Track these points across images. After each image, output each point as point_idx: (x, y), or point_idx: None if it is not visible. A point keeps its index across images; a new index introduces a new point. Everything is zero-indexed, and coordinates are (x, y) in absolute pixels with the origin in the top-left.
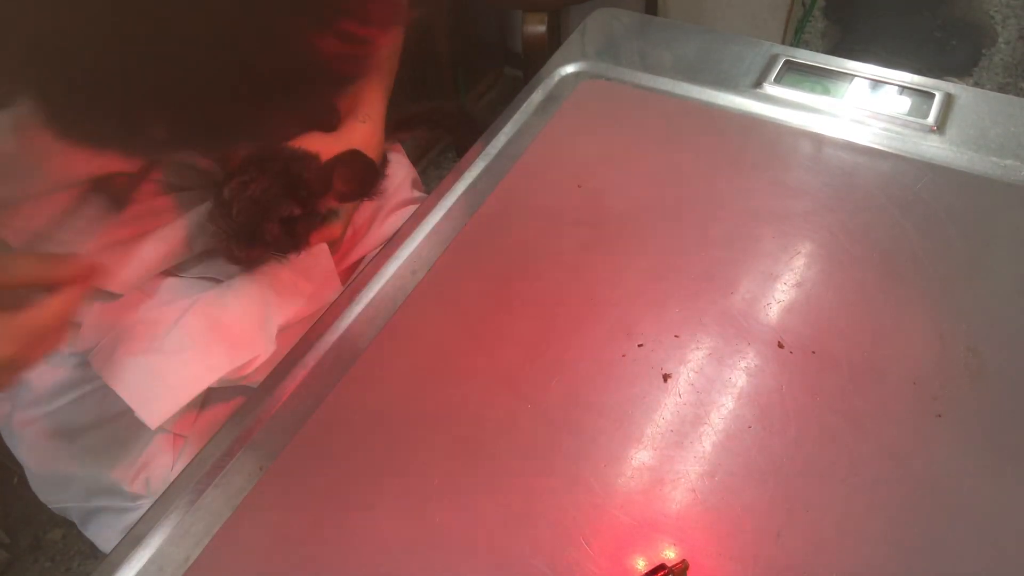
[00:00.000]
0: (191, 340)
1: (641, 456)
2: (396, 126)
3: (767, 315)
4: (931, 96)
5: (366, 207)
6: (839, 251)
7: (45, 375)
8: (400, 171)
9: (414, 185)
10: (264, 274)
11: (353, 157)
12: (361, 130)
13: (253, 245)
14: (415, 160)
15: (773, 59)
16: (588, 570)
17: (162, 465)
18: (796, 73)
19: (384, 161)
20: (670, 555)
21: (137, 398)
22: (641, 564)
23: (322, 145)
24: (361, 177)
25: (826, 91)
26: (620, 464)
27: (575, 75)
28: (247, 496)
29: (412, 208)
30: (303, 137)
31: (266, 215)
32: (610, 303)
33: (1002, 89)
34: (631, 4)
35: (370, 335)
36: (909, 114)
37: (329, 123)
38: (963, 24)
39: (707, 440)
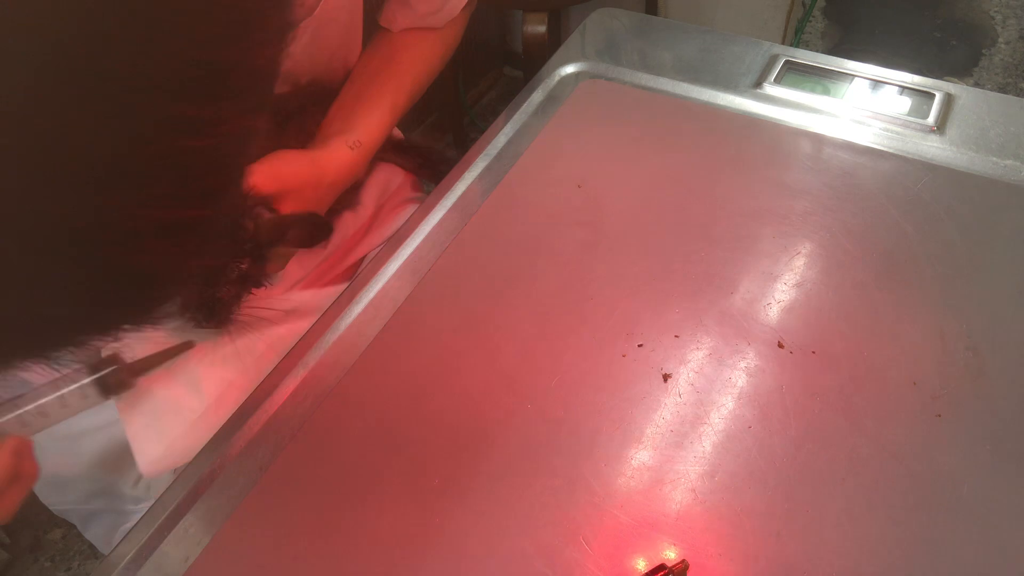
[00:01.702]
0: (204, 389)
1: (641, 456)
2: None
3: (767, 315)
4: (931, 96)
5: (367, 207)
6: (839, 251)
7: (48, 376)
8: (401, 170)
9: (414, 185)
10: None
11: (308, 220)
12: (344, 157)
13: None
14: None
15: (773, 59)
16: (588, 570)
17: None
18: (796, 73)
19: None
20: (670, 555)
21: (140, 444)
22: (641, 564)
23: (293, 167)
24: (313, 236)
25: (826, 91)
26: (620, 464)
27: (575, 75)
28: (247, 497)
29: (412, 208)
30: (271, 157)
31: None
32: (610, 303)
33: (1002, 89)
34: (631, 4)
35: (370, 335)
36: (909, 114)
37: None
38: (963, 24)
39: (707, 440)
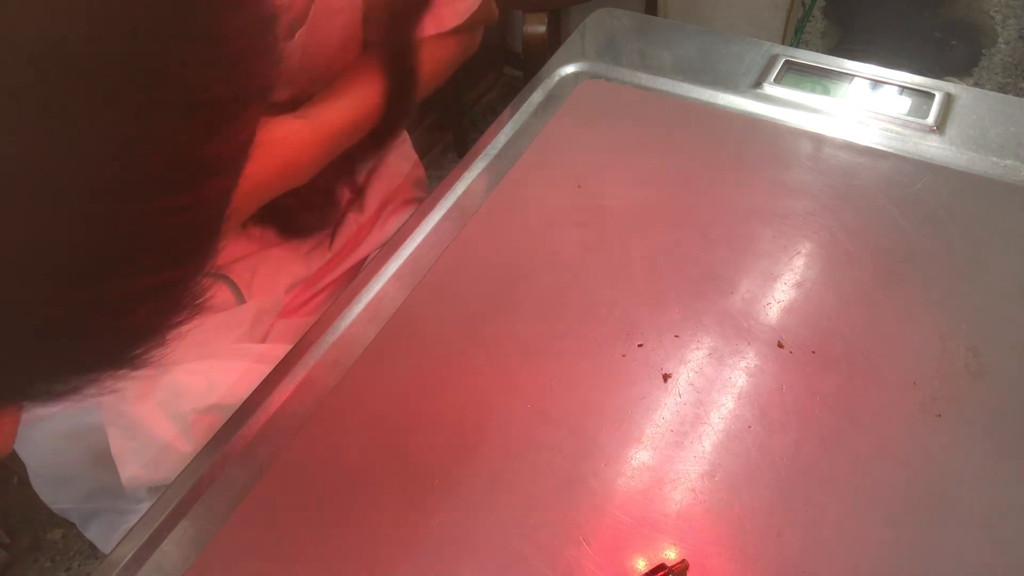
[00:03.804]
0: (194, 434)
1: (641, 456)
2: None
3: (767, 315)
4: (931, 96)
5: (369, 207)
6: (839, 251)
7: None
8: (403, 169)
9: (416, 185)
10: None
11: None
12: (290, 125)
13: None
14: None
15: (773, 59)
16: (588, 570)
17: None
18: (796, 73)
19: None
20: (670, 555)
21: (121, 451)
22: (641, 564)
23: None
24: None
25: (826, 91)
26: (620, 464)
27: (575, 75)
28: (247, 497)
29: (412, 208)
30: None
31: None
32: (610, 303)
33: (1002, 89)
34: (631, 4)
35: (370, 335)
36: (909, 114)
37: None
38: (963, 24)
39: (707, 440)
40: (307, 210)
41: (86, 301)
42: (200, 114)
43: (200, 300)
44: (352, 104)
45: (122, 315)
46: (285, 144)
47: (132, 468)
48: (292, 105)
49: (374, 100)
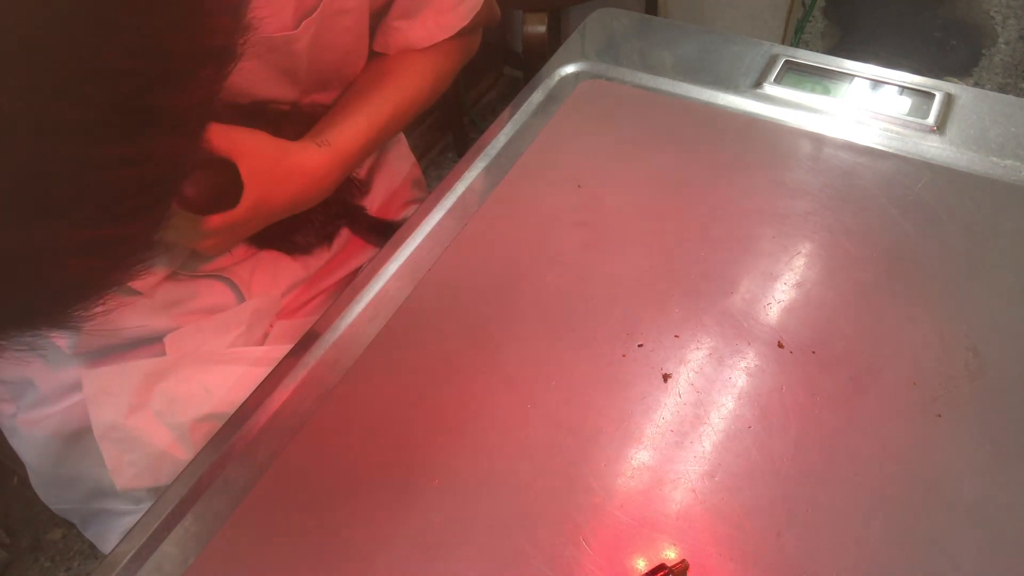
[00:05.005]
0: (193, 439)
1: (641, 456)
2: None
3: (767, 315)
4: (931, 96)
5: (368, 208)
6: (839, 251)
7: (50, 376)
8: (402, 169)
9: (415, 185)
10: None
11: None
12: (310, 151)
13: None
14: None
15: (773, 59)
16: (588, 570)
17: None
18: (796, 73)
19: (353, 185)
20: (670, 555)
21: (115, 459)
22: (641, 564)
23: (254, 137)
24: (222, 192)
25: (826, 91)
26: (620, 464)
27: (575, 75)
28: (247, 497)
29: (412, 208)
30: (239, 151)
31: None
32: (610, 303)
33: (1002, 89)
34: (631, 4)
35: (370, 335)
36: (909, 114)
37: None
38: (963, 24)
39: (707, 440)
40: (306, 231)
41: (15, 245)
42: (149, 61)
43: (141, 265)
44: (367, 125)
45: (54, 267)
46: (311, 174)
47: (128, 480)
48: (297, 108)
49: (384, 118)
